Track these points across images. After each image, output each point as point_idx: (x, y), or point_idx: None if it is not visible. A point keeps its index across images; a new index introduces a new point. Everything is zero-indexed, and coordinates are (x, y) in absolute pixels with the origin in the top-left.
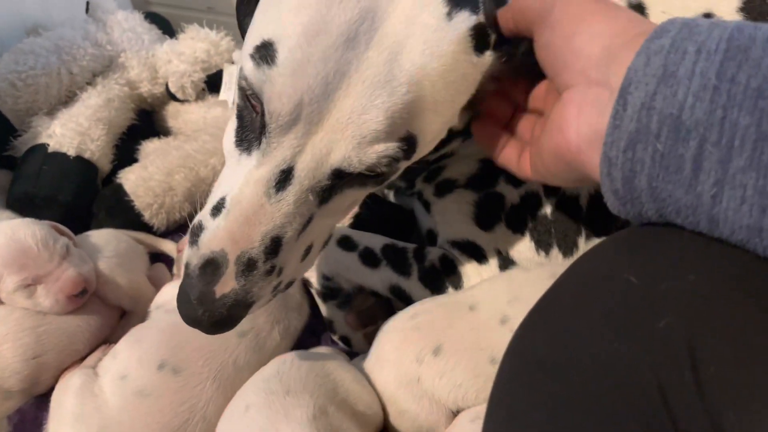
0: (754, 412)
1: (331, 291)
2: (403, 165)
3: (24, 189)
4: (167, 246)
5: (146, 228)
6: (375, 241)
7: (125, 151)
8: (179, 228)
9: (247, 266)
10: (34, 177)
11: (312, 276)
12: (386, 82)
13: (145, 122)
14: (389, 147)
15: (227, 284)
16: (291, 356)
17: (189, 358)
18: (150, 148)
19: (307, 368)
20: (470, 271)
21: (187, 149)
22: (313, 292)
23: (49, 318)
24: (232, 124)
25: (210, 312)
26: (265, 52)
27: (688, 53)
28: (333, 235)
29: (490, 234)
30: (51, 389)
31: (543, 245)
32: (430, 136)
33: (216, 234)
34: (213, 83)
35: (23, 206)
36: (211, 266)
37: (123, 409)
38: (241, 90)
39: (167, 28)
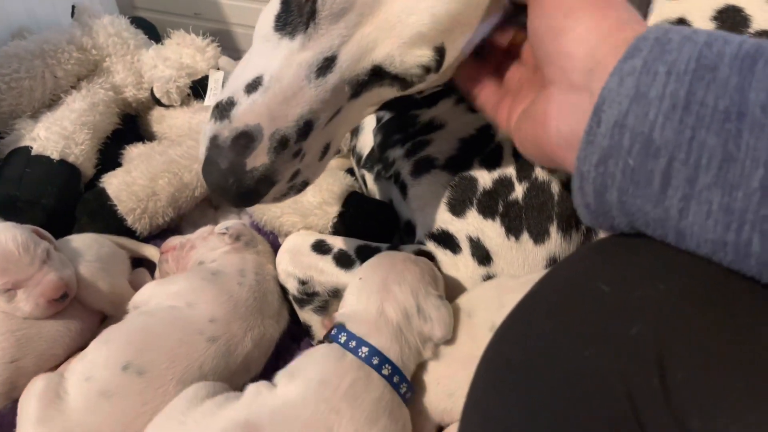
0: (718, 418)
1: (307, 296)
2: (432, 78)
3: (6, 191)
4: (150, 251)
5: (129, 233)
6: (349, 243)
7: (109, 156)
8: (162, 233)
9: (280, 144)
10: (16, 180)
11: (288, 282)
12: None
13: (129, 127)
14: (426, 54)
15: (259, 158)
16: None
17: (155, 360)
18: (134, 152)
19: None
20: (446, 262)
21: (171, 154)
22: (290, 298)
23: (28, 322)
24: (272, 9)
25: (239, 182)
26: None
27: (659, 74)
28: (308, 241)
29: (462, 220)
30: None
31: (513, 231)
32: (452, 57)
33: (253, 108)
34: (198, 89)
35: (5, 209)
36: (245, 139)
37: (86, 410)
38: None
39: (153, 34)
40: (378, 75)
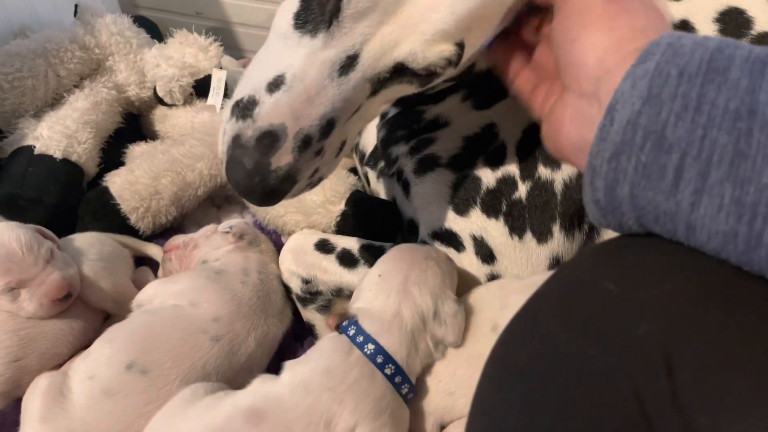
0: (725, 417)
1: (310, 295)
2: (450, 72)
3: (9, 190)
4: (152, 250)
5: (132, 231)
6: (352, 242)
7: (112, 155)
8: (165, 232)
9: (304, 143)
10: (19, 178)
11: (291, 281)
12: None
13: (132, 126)
14: (449, 48)
15: (283, 157)
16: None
17: (158, 359)
18: (137, 151)
19: None
20: None
21: (174, 153)
22: (294, 297)
23: (31, 321)
24: (291, 7)
25: (264, 182)
26: None
27: (671, 77)
28: (311, 240)
29: (465, 219)
30: None
31: (517, 230)
32: (469, 53)
33: (277, 108)
34: (201, 88)
35: (8, 208)
36: (269, 138)
37: (90, 408)
38: None
39: (156, 33)
40: (399, 72)
